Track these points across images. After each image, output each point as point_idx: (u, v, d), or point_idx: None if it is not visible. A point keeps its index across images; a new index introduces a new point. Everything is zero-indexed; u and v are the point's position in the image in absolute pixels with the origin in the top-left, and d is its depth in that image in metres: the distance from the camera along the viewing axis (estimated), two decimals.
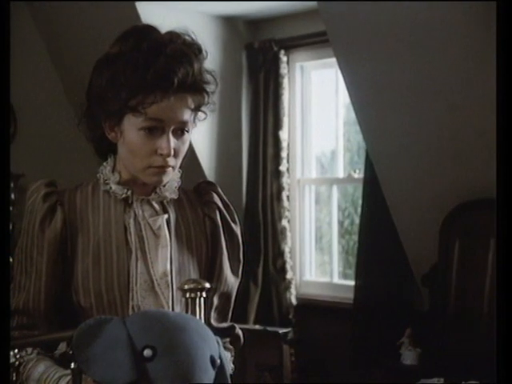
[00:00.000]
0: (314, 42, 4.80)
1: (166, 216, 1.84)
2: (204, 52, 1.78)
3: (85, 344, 1.40)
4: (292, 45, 5.01)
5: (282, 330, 4.70)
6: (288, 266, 5.02)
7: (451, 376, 3.81)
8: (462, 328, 4.00)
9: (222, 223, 1.90)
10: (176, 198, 1.86)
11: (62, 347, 1.65)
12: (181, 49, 1.73)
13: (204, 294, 1.55)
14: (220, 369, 1.44)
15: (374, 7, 3.77)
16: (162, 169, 1.76)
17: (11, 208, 4.75)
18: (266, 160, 5.04)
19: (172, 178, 1.83)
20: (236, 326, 1.96)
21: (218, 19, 5.02)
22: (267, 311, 5.02)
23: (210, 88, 1.78)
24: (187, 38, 1.76)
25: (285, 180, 5.04)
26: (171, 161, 1.75)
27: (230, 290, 1.91)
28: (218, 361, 1.43)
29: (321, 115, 5.14)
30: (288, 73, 5.04)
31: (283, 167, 5.04)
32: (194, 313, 1.53)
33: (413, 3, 3.65)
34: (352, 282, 4.66)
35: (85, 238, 1.78)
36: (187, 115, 1.76)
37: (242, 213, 5.06)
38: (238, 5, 4.75)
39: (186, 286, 1.54)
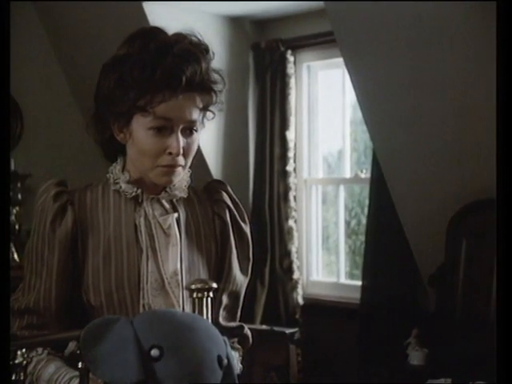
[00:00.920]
0: (321, 41, 4.79)
1: (176, 215, 1.84)
2: (211, 52, 1.79)
3: (92, 344, 1.40)
4: (299, 45, 5.00)
5: (288, 330, 4.69)
6: (295, 266, 5.02)
7: (458, 376, 3.80)
8: (468, 328, 3.99)
9: (232, 222, 1.91)
10: (186, 196, 1.87)
11: (72, 346, 1.66)
12: (188, 48, 1.74)
13: (211, 294, 1.55)
14: (227, 369, 1.44)
15: (381, 7, 3.77)
16: (171, 168, 1.76)
17: (18, 208, 4.75)
18: (272, 160, 5.04)
19: (182, 177, 1.83)
20: (244, 325, 1.96)
21: (224, 19, 5.02)
22: (274, 311, 5.01)
23: (217, 87, 1.79)
24: (194, 38, 1.77)
25: (291, 180, 5.03)
26: (180, 160, 1.76)
27: (238, 289, 1.91)
28: (226, 361, 1.43)
29: (327, 115, 5.13)
30: (295, 73, 5.04)
31: (290, 167, 5.03)
32: (200, 313, 1.53)
33: (418, 3, 3.65)
34: (359, 282, 4.66)
35: (95, 237, 1.79)
36: (195, 114, 1.76)
37: (248, 213, 5.05)
38: (244, 5, 4.75)
39: (193, 286, 1.54)
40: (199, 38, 1.78)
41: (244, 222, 1.94)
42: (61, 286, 1.77)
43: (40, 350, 1.73)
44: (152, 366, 1.37)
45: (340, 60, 4.26)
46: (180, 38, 1.76)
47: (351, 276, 5.07)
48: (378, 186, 4.44)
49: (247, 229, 1.94)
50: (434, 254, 4.21)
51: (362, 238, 4.77)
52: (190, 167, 1.83)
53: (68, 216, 1.78)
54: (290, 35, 4.99)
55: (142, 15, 4.50)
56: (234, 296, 1.91)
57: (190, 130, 1.77)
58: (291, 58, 5.01)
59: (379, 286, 4.49)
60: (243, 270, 1.92)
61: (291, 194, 5.03)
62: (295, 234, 5.03)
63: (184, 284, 1.78)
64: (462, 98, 3.88)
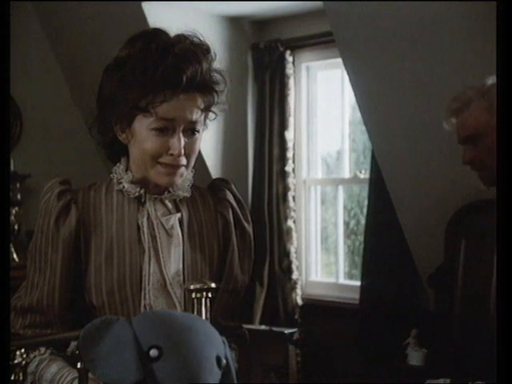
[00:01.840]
0: (320, 42, 4.79)
1: (178, 215, 1.85)
2: (213, 52, 1.80)
3: (91, 344, 1.40)
4: (298, 45, 5.00)
5: (287, 331, 4.69)
6: (294, 267, 5.02)
7: (458, 376, 3.80)
8: (468, 328, 3.98)
9: (234, 221, 1.91)
10: (189, 196, 1.87)
11: (74, 346, 1.66)
12: (189, 48, 1.75)
13: (210, 295, 1.55)
14: (226, 369, 1.44)
15: (380, 8, 3.77)
16: (173, 168, 1.77)
17: (17, 208, 4.75)
18: (271, 160, 5.04)
19: (185, 177, 1.84)
20: (242, 325, 1.97)
21: (223, 19, 5.02)
22: (273, 311, 5.01)
23: (219, 87, 1.80)
24: (195, 39, 1.79)
25: (290, 180, 5.03)
26: (182, 160, 1.77)
27: (239, 288, 1.92)
28: (224, 361, 1.43)
29: (326, 115, 5.13)
30: (294, 73, 5.04)
31: (289, 167, 5.03)
32: (199, 313, 1.53)
33: (419, 3, 3.65)
34: (358, 283, 4.66)
35: (98, 236, 1.79)
36: (197, 115, 1.77)
37: None
38: (243, 5, 4.74)
39: (192, 286, 1.55)
40: (201, 38, 1.80)
41: (247, 221, 1.95)
42: (64, 284, 1.77)
43: (43, 349, 1.74)
44: (151, 367, 1.37)
45: (339, 60, 4.25)
46: (181, 38, 1.77)
47: (350, 276, 5.07)
48: (377, 186, 4.44)
49: (250, 228, 1.95)
50: (433, 254, 4.20)
51: (361, 238, 4.77)
52: (193, 167, 1.84)
53: (72, 215, 1.78)
54: (289, 35, 4.99)
55: (141, 15, 4.50)
56: (234, 295, 1.91)
57: (191, 130, 1.78)
58: (290, 59, 5.01)
59: (378, 286, 4.49)
60: (244, 270, 1.92)
61: (290, 195, 5.03)
62: (294, 234, 5.03)
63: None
64: None
